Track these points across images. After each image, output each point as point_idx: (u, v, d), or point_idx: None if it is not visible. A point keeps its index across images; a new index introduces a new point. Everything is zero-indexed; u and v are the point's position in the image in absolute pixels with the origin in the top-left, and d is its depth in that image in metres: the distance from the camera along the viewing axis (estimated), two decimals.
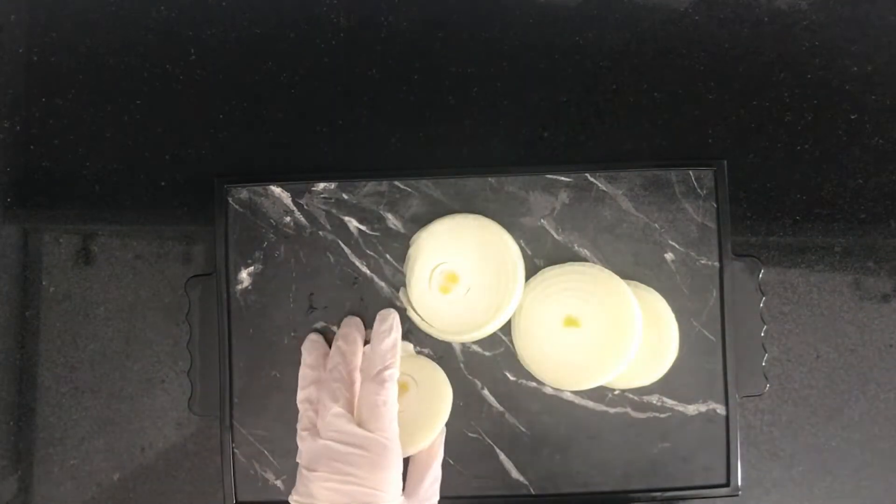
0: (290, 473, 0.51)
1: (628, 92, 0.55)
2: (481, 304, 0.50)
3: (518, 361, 0.52)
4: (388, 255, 0.52)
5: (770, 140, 0.55)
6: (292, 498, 0.45)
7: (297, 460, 0.47)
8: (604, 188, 0.53)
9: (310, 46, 0.55)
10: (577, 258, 0.52)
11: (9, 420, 0.54)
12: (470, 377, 0.52)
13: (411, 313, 0.51)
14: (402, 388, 0.50)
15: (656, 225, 0.52)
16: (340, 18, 0.55)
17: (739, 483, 0.52)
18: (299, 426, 0.48)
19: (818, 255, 0.55)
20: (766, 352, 0.52)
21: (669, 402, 0.52)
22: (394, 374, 0.47)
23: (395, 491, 0.44)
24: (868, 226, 0.55)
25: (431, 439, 0.49)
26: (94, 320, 0.54)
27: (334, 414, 0.45)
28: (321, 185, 0.52)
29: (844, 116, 0.55)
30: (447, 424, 0.51)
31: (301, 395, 0.49)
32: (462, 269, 0.51)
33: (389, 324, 0.49)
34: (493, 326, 0.50)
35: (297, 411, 0.49)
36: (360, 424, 0.45)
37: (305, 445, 0.46)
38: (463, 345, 0.52)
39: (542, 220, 0.52)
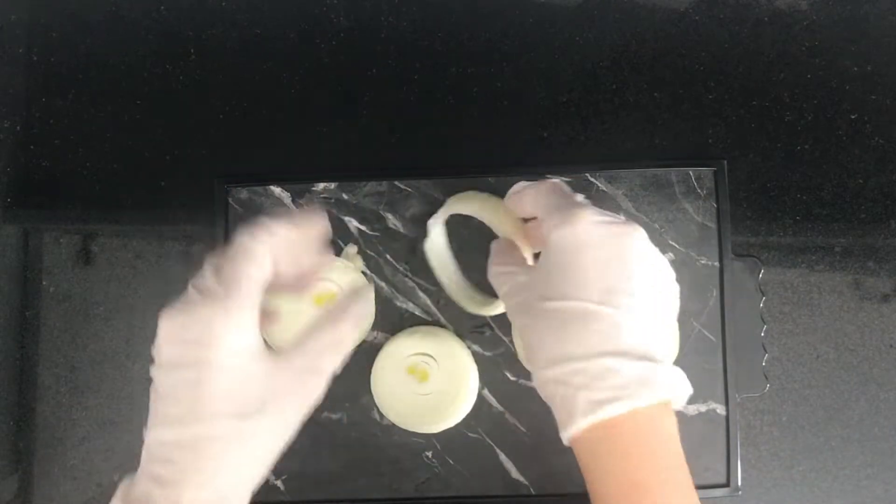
0: (289, 473, 0.51)
1: (628, 92, 0.55)
2: None
3: (518, 361, 0.52)
4: (388, 255, 0.52)
5: (770, 140, 0.55)
6: None
7: None
8: (604, 188, 0.52)
9: (310, 46, 0.55)
10: None
11: (9, 420, 0.54)
12: None
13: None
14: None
15: (656, 225, 0.52)
16: (340, 18, 0.55)
17: (739, 483, 0.52)
18: None
19: (818, 255, 0.55)
20: (766, 352, 0.52)
21: None
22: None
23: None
24: (868, 226, 0.55)
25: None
26: (94, 320, 0.54)
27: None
28: (321, 185, 0.52)
29: (844, 116, 0.55)
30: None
31: None
32: None
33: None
34: None
35: None
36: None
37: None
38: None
39: None
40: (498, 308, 0.50)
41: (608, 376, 0.35)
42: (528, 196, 0.42)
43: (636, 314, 0.36)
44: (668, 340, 0.38)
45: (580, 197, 0.41)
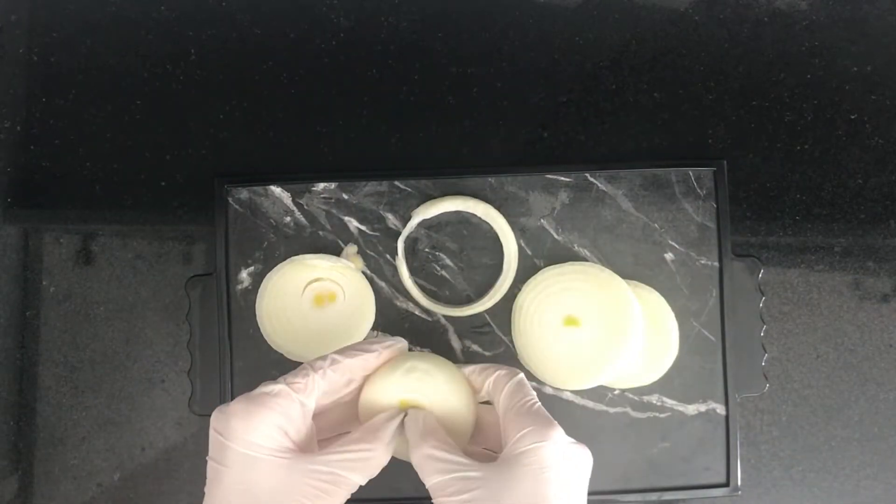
0: None
1: (628, 92, 0.55)
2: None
3: (518, 361, 0.52)
4: (388, 255, 0.52)
5: (770, 140, 0.55)
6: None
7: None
8: (604, 188, 0.53)
9: (310, 46, 0.55)
10: (577, 258, 0.52)
11: (9, 420, 0.54)
12: None
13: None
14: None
15: (656, 225, 0.52)
16: (340, 18, 0.55)
17: (739, 483, 0.52)
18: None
19: (818, 255, 0.55)
20: (765, 352, 0.52)
21: (669, 402, 0.52)
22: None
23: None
24: (868, 226, 0.55)
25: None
26: (94, 320, 0.54)
27: None
28: (321, 185, 0.52)
29: (844, 116, 0.55)
30: None
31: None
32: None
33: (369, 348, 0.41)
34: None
35: None
36: None
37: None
38: (463, 344, 0.52)
39: (542, 220, 0.52)
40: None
41: None
42: (497, 387, 0.41)
43: None
44: None
45: (534, 394, 0.41)
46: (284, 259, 0.52)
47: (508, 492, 0.36)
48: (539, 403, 0.40)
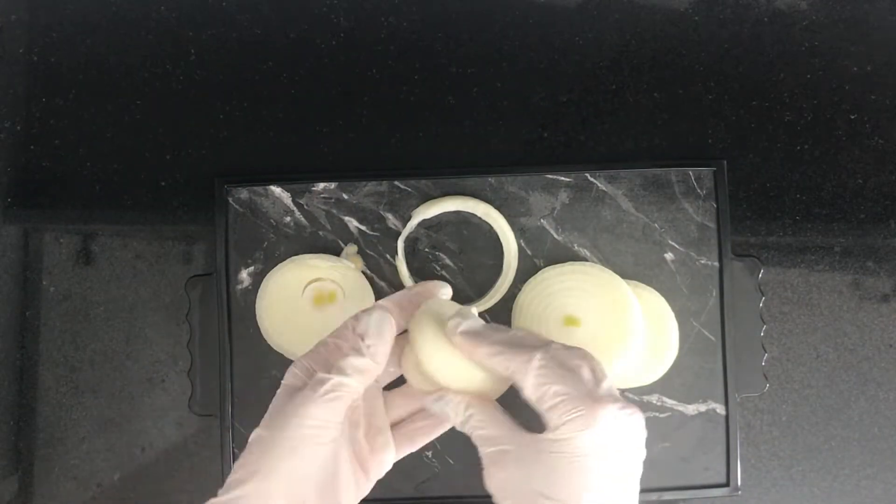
0: None
1: (628, 92, 0.55)
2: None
3: None
4: (388, 255, 0.52)
5: (770, 140, 0.55)
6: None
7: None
8: (604, 188, 0.53)
9: (310, 46, 0.55)
10: (577, 258, 0.52)
11: (9, 420, 0.54)
12: None
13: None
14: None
15: (656, 225, 0.52)
16: (340, 18, 0.55)
17: (739, 483, 0.52)
18: None
19: (818, 255, 0.55)
20: (765, 352, 0.52)
21: (669, 402, 0.52)
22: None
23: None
24: (868, 226, 0.55)
25: None
26: (94, 320, 0.54)
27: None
28: (321, 185, 0.52)
29: (844, 116, 0.55)
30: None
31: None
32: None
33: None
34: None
35: None
36: None
37: None
38: None
39: (542, 220, 0.52)
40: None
41: None
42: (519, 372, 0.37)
43: None
44: None
45: (596, 367, 0.37)
46: (284, 259, 0.52)
47: (545, 478, 0.34)
48: (583, 368, 0.36)
